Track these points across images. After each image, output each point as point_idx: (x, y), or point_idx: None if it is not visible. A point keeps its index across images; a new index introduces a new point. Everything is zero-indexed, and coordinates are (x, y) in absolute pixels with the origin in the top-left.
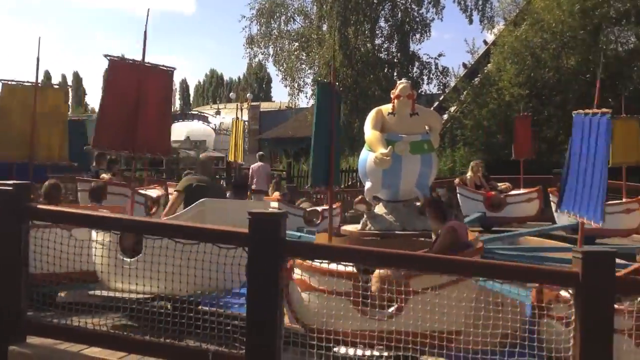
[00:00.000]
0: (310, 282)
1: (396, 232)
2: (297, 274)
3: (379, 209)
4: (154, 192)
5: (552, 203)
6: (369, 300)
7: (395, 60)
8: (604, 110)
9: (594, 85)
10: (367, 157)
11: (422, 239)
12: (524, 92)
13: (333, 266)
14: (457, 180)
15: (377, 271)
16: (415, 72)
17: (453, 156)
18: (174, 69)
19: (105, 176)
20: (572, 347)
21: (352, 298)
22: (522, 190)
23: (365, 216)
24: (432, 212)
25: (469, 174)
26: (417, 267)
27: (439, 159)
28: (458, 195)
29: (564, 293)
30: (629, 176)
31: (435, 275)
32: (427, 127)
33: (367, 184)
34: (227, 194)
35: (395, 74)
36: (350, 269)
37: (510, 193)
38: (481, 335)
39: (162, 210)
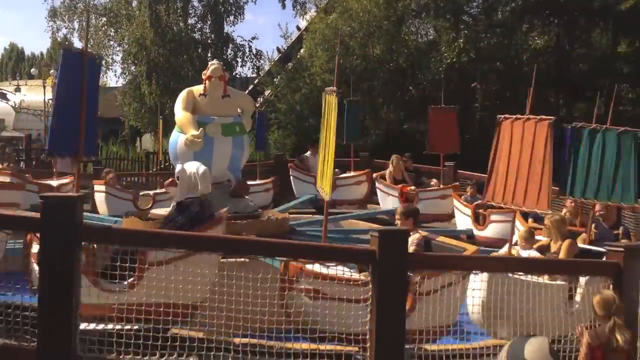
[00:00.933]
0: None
1: None
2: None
3: None
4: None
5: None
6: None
7: (209, 41)
8: None
9: (397, 74)
10: (177, 139)
11: (235, 221)
12: (334, 78)
13: None
14: (375, 175)
15: None
16: (230, 54)
17: (267, 139)
18: None
19: None
20: (369, 322)
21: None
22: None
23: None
24: None
25: (389, 168)
26: (218, 248)
27: (254, 142)
28: (377, 190)
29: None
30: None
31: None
32: (239, 110)
33: (178, 167)
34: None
35: (209, 55)
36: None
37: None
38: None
39: None
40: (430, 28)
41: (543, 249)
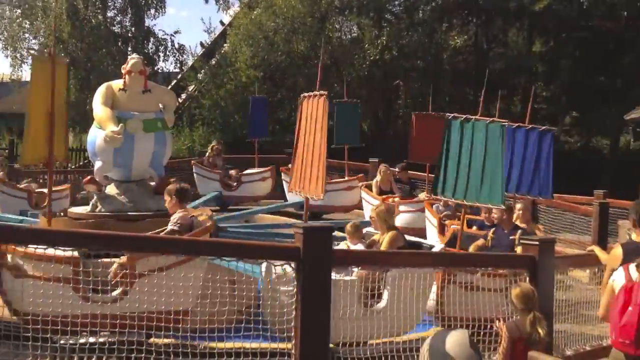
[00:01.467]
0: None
1: (129, 213)
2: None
3: (111, 190)
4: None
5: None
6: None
7: (129, 34)
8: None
9: (322, 70)
10: (96, 135)
11: (156, 219)
12: (259, 74)
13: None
14: (360, 184)
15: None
16: (151, 48)
17: (192, 136)
18: None
19: None
20: (294, 319)
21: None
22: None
23: (95, 197)
24: None
25: (377, 177)
26: (139, 247)
27: (178, 139)
28: (362, 199)
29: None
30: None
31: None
32: (161, 105)
33: (97, 164)
34: None
35: (129, 49)
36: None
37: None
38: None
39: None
40: (353, 25)
41: (374, 243)
